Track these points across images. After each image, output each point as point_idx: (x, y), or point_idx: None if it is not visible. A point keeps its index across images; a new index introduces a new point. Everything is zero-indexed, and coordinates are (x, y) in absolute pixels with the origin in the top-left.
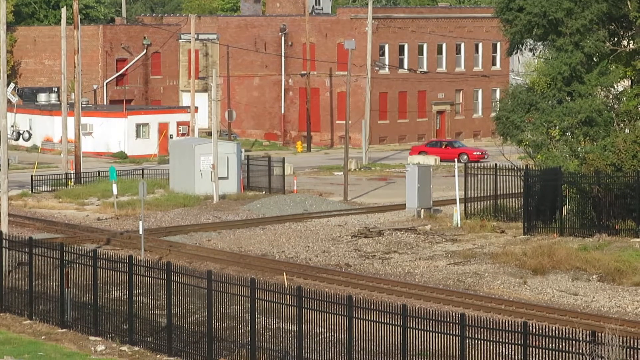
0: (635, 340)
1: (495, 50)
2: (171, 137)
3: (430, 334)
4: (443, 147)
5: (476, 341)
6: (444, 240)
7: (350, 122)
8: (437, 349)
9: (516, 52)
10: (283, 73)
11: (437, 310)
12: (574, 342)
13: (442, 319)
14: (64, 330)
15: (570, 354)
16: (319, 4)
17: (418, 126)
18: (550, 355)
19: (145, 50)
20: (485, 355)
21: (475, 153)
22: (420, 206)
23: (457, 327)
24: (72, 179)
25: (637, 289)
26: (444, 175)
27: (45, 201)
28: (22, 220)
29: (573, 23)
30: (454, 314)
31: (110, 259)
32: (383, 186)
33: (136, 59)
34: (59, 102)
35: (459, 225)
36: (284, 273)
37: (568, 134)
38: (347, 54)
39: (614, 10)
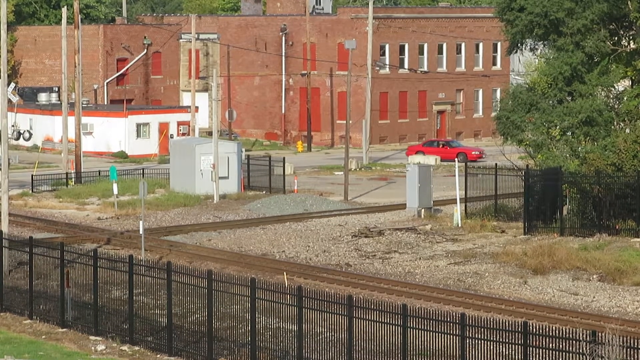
0: (636, 340)
1: (495, 50)
2: (172, 136)
3: (431, 333)
4: (440, 146)
5: (476, 341)
6: (444, 240)
7: (350, 121)
8: (437, 348)
9: (517, 52)
10: (283, 73)
11: (437, 310)
12: (574, 342)
13: (443, 318)
14: (64, 329)
15: (571, 354)
16: (320, 4)
17: (418, 126)
18: (551, 355)
19: (145, 50)
20: (485, 355)
21: (473, 152)
22: (421, 206)
23: (457, 327)
24: (73, 179)
25: (638, 288)
26: (444, 175)
27: (46, 201)
28: (22, 219)
29: (574, 23)
30: (454, 313)
31: (111, 259)
32: (383, 186)
33: (137, 58)
34: (59, 102)
35: (460, 225)
36: (284, 273)
37: (568, 133)
38: (348, 53)
39: (615, 10)
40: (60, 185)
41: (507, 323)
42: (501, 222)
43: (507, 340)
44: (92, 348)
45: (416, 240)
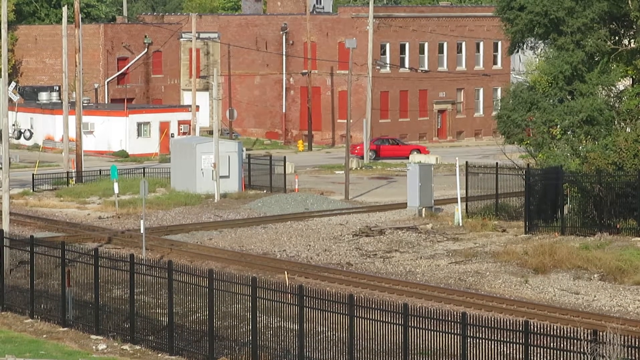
0: (637, 339)
1: (496, 49)
2: (172, 136)
3: (432, 333)
4: (390, 144)
5: (477, 340)
6: (445, 239)
7: (351, 121)
8: (438, 348)
9: (517, 51)
10: (284, 72)
11: (438, 309)
12: (575, 341)
13: (444, 318)
14: (65, 329)
15: (572, 353)
16: (320, 3)
17: (419, 125)
18: (552, 354)
19: (146, 49)
20: (486, 354)
21: (427, 149)
22: (422, 205)
23: (458, 326)
24: (74, 178)
25: (639, 288)
26: (445, 174)
27: (47, 200)
28: (23, 219)
29: (574, 22)
30: (455, 313)
31: (112, 258)
32: (384, 185)
33: (137, 57)
34: (60, 101)
35: (461, 224)
36: (285, 272)
37: (569, 132)
38: (348, 52)
39: (615, 9)
40: (61, 184)
41: (508, 322)
42: (502, 221)
43: (508, 339)
44: (93, 347)
45: (417, 239)
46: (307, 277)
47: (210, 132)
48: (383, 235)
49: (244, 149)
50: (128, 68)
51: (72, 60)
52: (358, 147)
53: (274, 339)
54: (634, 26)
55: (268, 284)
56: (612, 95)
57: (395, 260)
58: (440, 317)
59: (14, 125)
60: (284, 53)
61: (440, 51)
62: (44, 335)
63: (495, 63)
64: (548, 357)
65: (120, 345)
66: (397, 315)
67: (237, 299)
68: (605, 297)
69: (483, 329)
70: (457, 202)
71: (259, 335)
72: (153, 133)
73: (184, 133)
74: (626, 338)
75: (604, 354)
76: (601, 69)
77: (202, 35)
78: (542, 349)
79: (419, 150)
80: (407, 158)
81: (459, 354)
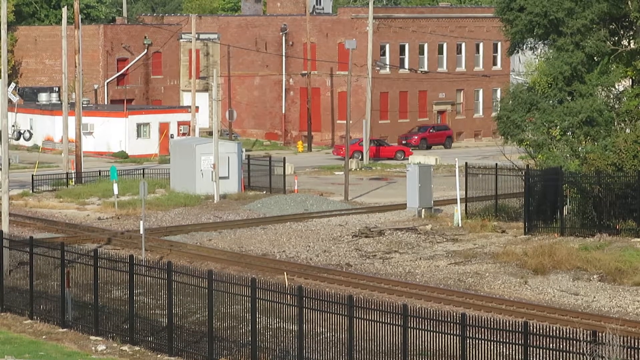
0: (636, 340)
1: (496, 50)
2: (172, 136)
3: (431, 333)
4: (375, 145)
5: (477, 341)
6: (444, 240)
7: (351, 121)
8: (437, 348)
9: (517, 52)
10: (284, 73)
11: (437, 310)
12: (574, 342)
13: (443, 318)
14: (64, 330)
15: (571, 354)
16: (320, 4)
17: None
18: (551, 355)
19: (146, 50)
20: (485, 355)
21: (411, 150)
22: (421, 206)
23: (457, 327)
24: (73, 179)
25: (638, 288)
26: (444, 175)
27: (46, 201)
28: (22, 219)
29: (574, 23)
30: (454, 313)
31: (111, 259)
32: (384, 186)
33: (137, 58)
34: (59, 102)
35: (460, 225)
36: (285, 273)
37: (569, 133)
38: (348, 53)
39: (615, 10)
40: (61, 185)
41: (507, 323)
42: (501, 222)
43: (507, 340)
44: (93, 348)
45: (416, 240)
46: (307, 278)
47: (210, 133)
48: (382, 236)
49: (244, 149)
50: (128, 69)
51: (71, 61)
52: (343, 149)
53: (273, 340)
54: (634, 27)
55: (267, 285)
56: (611, 96)
57: (394, 261)
58: (440, 318)
59: (13, 126)
60: (283, 54)
61: (440, 52)
62: (44, 336)
63: (495, 64)
64: (547, 358)
65: (120, 346)
66: (397, 316)
67: (237, 300)
68: (604, 298)
69: (482, 329)
70: (456, 203)
71: (258, 336)
72: (152, 134)
73: (184, 134)
74: (625, 339)
75: (603, 355)
76: (601, 69)
77: (201, 36)
78: (541, 349)
79: (404, 152)
80: (392, 159)
81: (458, 355)
